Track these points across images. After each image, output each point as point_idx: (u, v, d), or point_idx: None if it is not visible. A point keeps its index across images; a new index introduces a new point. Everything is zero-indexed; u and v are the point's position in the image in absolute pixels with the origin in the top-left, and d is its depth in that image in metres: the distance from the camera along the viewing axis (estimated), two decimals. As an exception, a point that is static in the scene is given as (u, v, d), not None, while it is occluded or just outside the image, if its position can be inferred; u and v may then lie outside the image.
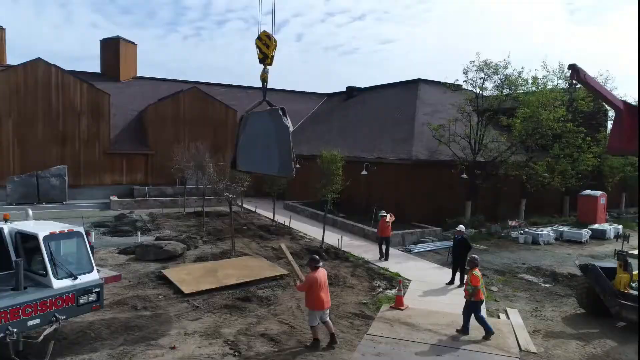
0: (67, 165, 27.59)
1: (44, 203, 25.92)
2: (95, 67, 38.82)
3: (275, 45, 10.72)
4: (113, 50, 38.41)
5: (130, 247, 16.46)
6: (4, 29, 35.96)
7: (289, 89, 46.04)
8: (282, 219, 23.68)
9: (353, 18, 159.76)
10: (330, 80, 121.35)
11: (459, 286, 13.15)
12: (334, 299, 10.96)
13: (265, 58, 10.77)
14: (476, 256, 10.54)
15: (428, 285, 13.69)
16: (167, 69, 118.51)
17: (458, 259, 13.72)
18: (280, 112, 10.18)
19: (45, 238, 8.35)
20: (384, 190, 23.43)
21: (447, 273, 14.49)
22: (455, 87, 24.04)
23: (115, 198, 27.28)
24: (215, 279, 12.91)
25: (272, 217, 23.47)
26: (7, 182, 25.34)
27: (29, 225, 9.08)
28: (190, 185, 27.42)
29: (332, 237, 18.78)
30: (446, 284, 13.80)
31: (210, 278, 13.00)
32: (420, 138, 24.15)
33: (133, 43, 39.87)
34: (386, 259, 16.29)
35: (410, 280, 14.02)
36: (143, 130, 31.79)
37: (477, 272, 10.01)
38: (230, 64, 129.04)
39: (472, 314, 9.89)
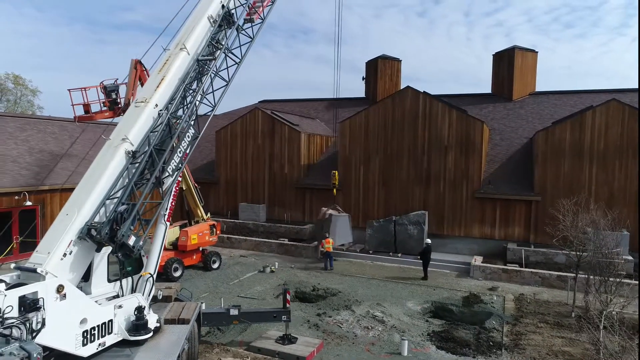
0: (429, 210, 22.92)
1: (400, 255, 22.13)
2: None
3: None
4: (506, 63, 31.67)
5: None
6: (400, 61, 35.89)
7: None
8: None
9: None
10: None
11: None
12: None
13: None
14: None
15: None
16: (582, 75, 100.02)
17: None
18: None
19: None
20: None
21: None
22: None
23: (479, 262, 20.24)
24: None
25: None
26: (367, 227, 23.07)
27: None
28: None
29: None
30: None
31: None
32: None
33: (533, 51, 31.76)
34: None
35: None
36: (528, 165, 23.35)
37: None
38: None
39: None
